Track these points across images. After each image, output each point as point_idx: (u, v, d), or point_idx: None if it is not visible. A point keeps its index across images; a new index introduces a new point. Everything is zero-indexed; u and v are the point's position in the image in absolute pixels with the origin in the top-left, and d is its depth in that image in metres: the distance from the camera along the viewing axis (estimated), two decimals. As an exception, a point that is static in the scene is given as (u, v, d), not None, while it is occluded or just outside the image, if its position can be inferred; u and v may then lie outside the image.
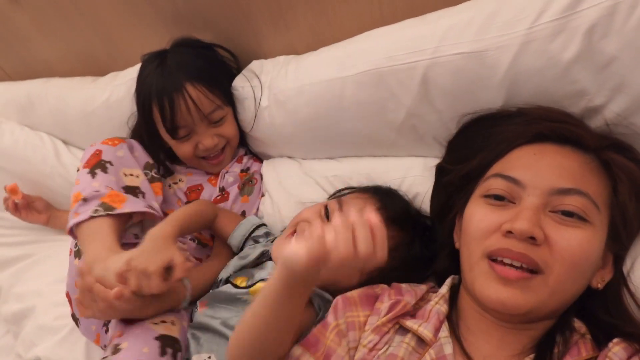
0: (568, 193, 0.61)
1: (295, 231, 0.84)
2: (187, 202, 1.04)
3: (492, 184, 0.66)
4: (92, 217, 0.84)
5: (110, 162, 0.93)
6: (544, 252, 0.59)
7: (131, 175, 0.95)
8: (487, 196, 0.66)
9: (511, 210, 0.62)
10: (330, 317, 0.71)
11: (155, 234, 0.80)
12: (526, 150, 0.68)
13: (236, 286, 0.84)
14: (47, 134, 1.36)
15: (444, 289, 0.72)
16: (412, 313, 0.69)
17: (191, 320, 0.87)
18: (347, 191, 0.93)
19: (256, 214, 1.05)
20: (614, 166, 0.66)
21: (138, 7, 1.15)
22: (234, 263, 0.91)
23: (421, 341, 0.65)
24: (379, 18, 0.93)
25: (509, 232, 0.60)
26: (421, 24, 0.85)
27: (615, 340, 0.59)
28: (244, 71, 1.09)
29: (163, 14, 1.14)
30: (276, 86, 1.00)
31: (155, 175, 1.01)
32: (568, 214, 0.60)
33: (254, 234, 0.97)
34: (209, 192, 1.06)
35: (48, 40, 1.36)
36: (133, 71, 1.17)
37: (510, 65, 0.74)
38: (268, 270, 0.85)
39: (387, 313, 0.68)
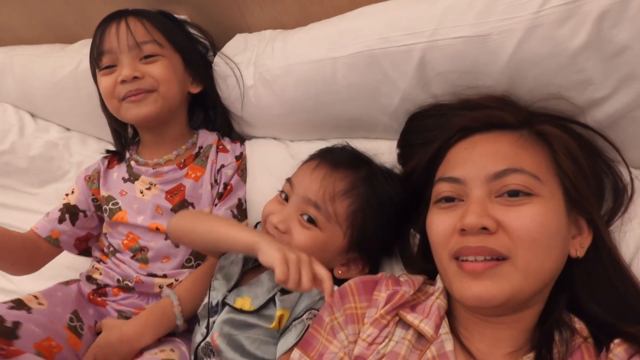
0: (504, 174, 0.61)
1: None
2: (172, 208, 0.93)
3: (438, 189, 0.68)
4: None
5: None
6: (502, 239, 0.59)
7: None
8: (438, 201, 0.67)
9: (462, 208, 0.63)
10: (324, 314, 0.70)
11: None
12: (458, 148, 0.69)
13: (241, 311, 0.77)
14: (13, 106, 1.27)
15: (440, 283, 0.71)
16: (411, 305, 0.68)
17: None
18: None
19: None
20: (547, 136, 0.66)
21: (112, -27, 1.06)
22: (221, 282, 0.83)
23: (421, 337, 0.65)
24: (373, -7, 0.87)
25: (462, 229, 0.61)
26: (418, 3, 0.80)
27: (616, 341, 0.58)
28: (224, 48, 1.02)
29: (139, -20, 1.05)
30: (262, 64, 0.94)
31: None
32: (512, 193, 0.61)
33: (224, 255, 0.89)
34: (193, 188, 0.94)
35: (14, 6, 1.26)
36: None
37: (514, 51, 0.71)
38: (266, 285, 0.79)
39: (385, 304, 0.67)
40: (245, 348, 0.75)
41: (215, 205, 0.94)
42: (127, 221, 0.93)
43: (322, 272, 0.65)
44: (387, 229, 0.81)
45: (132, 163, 0.98)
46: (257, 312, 0.77)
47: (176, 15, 1.04)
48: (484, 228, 0.59)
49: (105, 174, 0.99)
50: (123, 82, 0.89)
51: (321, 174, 0.78)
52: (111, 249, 0.95)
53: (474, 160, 0.65)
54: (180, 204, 0.94)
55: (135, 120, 0.94)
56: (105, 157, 1.03)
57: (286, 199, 0.81)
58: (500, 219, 0.60)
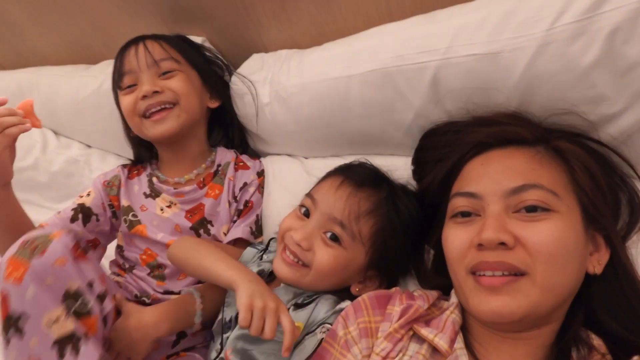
0: (522, 190, 0.61)
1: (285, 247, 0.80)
2: (191, 227, 0.93)
3: (455, 204, 0.67)
4: None
5: (22, 316, 0.64)
6: (520, 254, 0.58)
7: (57, 319, 0.66)
8: (454, 216, 0.67)
9: (479, 223, 0.63)
10: (338, 327, 0.69)
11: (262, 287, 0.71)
12: (474, 163, 0.69)
13: None
14: (38, 124, 1.31)
15: (455, 298, 0.70)
16: (425, 320, 0.68)
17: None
18: (315, 184, 0.88)
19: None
20: (564, 152, 0.66)
21: (135, -3, 1.11)
22: (234, 297, 0.81)
23: (435, 352, 0.64)
24: (385, 13, 0.89)
25: (480, 244, 0.60)
26: (431, 22, 0.81)
27: (635, 358, 0.57)
28: (241, 67, 1.05)
29: (160, 4, 1.09)
30: (278, 82, 0.97)
31: (81, 310, 0.69)
32: (530, 209, 0.60)
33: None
34: (213, 206, 0.94)
35: (41, 30, 1.31)
36: (127, 60, 1.13)
37: (526, 68, 0.72)
38: (281, 298, 0.76)
39: (399, 318, 0.67)
40: None
41: (234, 221, 0.95)
42: (147, 235, 0.93)
43: (286, 324, 0.65)
44: (407, 248, 0.80)
45: (154, 179, 0.99)
46: None
47: (193, 38, 1.07)
48: (502, 243, 0.59)
49: (126, 183, 0.99)
50: (144, 97, 0.91)
51: (346, 192, 0.78)
52: (127, 265, 0.95)
53: (491, 176, 0.65)
54: (200, 222, 0.94)
55: (158, 137, 0.94)
56: (124, 166, 1.03)
57: (306, 215, 0.80)
58: (518, 235, 0.59)
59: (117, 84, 0.96)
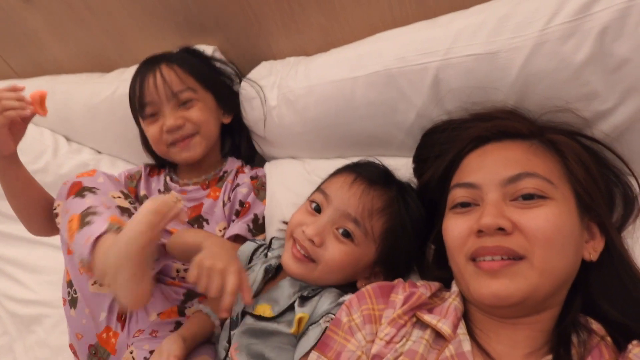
0: (519, 178, 0.64)
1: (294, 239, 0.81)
2: (189, 221, 1.01)
3: (454, 194, 0.70)
4: (107, 231, 0.76)
5: (94, 188, 0.88)
6: (518, 239, 0.60)
7: (119, 197, 0.91)
8: (454, 207, 0.69)
9: (478, 212, 0.65)
10: (342, 315, 0.70)
11: (219, 239, 0.77)
12: (472, 156, 0.72)
13: (261, 317, 0.78)
14: (50, 130, 1.35)
15: (456, 287, 0.71)
16: (428, 307, 0.69)
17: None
18: (325, 180, 0.89)
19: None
20: (557, 144, 0.69)
21: (150, 8, 1.17)
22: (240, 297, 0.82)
23: (439, 337, 0.65)
24: (390, 21, 0.94)
25: (480, 230, 0.62)
26: (433, 26, 0.86)
27: (634, 342, 0.58)
28: (250, 74, 1.10)
29: (175, 15, 1.15)
30: (285, 85, 1.01)
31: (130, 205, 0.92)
32: (527, 197, 0.63)
33: (253, 259, 0.91)
34: (211, 207, 1.01)
35: (58, 40, 1.37)
36: (141, 68, 1.18)
37: (522, 67, 0.75)
38: (287, 291, 0.79)
39: (402, 305, 0.68)
40: (265, 356, 0.75)
41: (233, 221, 0.99)
42: None
43: (227, 285, 0.68)
44: (414, 246, 0.82)
45: (168, 178, 1.08)
46: (276, 318, 0.77)
47: (202, 48, 1.12)
48: (501, 229, 0.61)
49: (146, 178, 1.09)
50: (168, 130, 0.99)
51: (359, 189, 0.79)
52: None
53: (488, 166, 0.67)
54: (196, 218, 1.00)
55: (184, 162, 1.04)
56: (147, 165, 1.12)
57: (317, 210, 0.81)
58: (516, 221, 0.61)
59: (139, 112, 1.03)
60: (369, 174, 0.82)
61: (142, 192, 1.07)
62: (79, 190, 0.86)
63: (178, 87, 0.98)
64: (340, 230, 0.77)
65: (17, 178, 0.94)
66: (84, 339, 0.89)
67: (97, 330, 0.88)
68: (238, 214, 0.99)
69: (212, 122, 1.03)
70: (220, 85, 1.08)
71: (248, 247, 0.92)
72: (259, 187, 1.03)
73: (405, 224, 0.80)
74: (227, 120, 1.08)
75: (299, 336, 0.74)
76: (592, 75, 0.72)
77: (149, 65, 1.02)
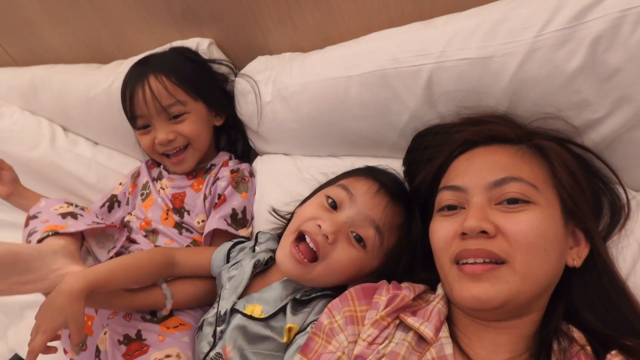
0: (503, 182, 0.64)
1: (298, 234, 0.78)
2: (173, 208, 1.03)
3: (441, 197, 0.70)
4: (39, 241, 0.86)
5: (37, 213, 0.96)
6: (500, 243, 0.61)
7: (61, 207, 0.97)
8: (441, 209, 0.70)
9: (463, 215, 0.65)
10: (323, 317, 0.71)
11: (61, 289, 0.73)
12: (460, 159, 0.73)
13: (252, 317, 0.77)
14: (47, 120, 1.35)
15: (441, 290, 0.72)
16: (412, 310, 0.69)
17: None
18: (339, 178, 0.88)
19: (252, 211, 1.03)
20: (545, 150, 0.69)
21: (147, 0, 1.16)
22: (230, 291, 0.84)
23: (421, 340, 0.66)
24: (386, 20, 0.94)
25: (463, 233, 0.63)
26: (428, 27, 0.85)
27: (613, 352, 0.59)
28: (245, 68, 1.09)
29: (172, 7, 1.14)
30: (280, 81, 1.01)
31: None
32: (511, 201, 0.63)
33: (231, 259, 0.91)
34: (193, 198, 1.03)
35: (56, 29, 1.36)
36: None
37: (515, 73, 0.75)
38: (279, 293, 0.79)
39: (386, 307, 0.68)
40: None
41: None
42: (148, 208, 1.05)
43: (31, 345, 0.71)
44: (413, 261, 0.81)
45: (161, 167, 1.13)
46: (267, 320, 0.76)
47: (198, 41, 1.12)
48: (484, 232, 0.61)
49: (147, 170, 1.13)
50: (162, 144, 1.01)
51: (384, 200, 0.78)
52: (129, 232, 1.06)
53: (475, 170, 0.68)
54: (179, 209, 1.03)
55: (179, 173, 1.08)
56: (148, 160, 1.17)
57: (333, 206, 0.78)
58: (499, 225, 0.62)
59: (132, 123, 1.05)
60: (392, 187, 0.81)
61: (144, 180, 1.12)
62: (26, 221, 0.96)
63: (167, 101, 0.99)
64: (354, 234, 0.76)
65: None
66: (64, 330, 0.90)
67: None
68: (215, 206, 1.01)
69: (204, 131, 1.04)
70: (211, 90, 1.07)
71: (223, 249, 0.93)
72: (239, 180, 1.03)
73: (412, 243, 0.80)
74: (219, 122, 1.09)
75: (287, 345, 0.75)
76: (584, 84, 0.72)
77: (137, 75, 1.02)
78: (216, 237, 0.97)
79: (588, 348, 0.61)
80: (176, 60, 1.05)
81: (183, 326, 0.89)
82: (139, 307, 0.87)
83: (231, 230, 0.97)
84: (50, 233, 0.87)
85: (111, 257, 0.96)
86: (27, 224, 0.94)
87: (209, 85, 1.06)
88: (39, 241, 0.86)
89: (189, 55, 1.09)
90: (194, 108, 1.02)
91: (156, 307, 0.87)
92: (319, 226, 0.75)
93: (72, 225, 0.91)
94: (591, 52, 0.69)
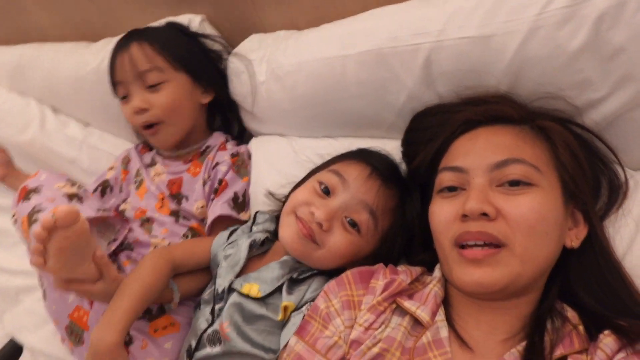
0: (505, 164, 0.64)
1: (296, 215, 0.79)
2: (170, 195, 0.99)
3: (442, 178, 0.69)
4: None
5: (38, 187, 0.89)
6: (501, 226, 0.61)
7: (65, 186, 0.92)
8: (441, 191, 0.69)
9: (463, 196, 0.65)
10: (320, 301, 0.71)
11: (99, 349, 0.72)
12: (461, 140, 0.72)
13: (248, 296, 0.77)
14: (36, 101, 1.32)
15: (438, 272, 0.72)
16: (409, 293, 0.70)
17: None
18: (331, 162, 0.88)
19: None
20: (547, 131, 0.69)
21: (137, -25, 1.12)
22: (227, 269, 0.83)
23: (417, 324, 0.66)
24: (384, -3, 0.91)
25: (464, 215, 0.63)
26: (427, 5, 0.83)
27: (605, 332, 0.60)
28: (239, 47, 1.07)
29: (162, -18, 1.11)
30: (275, 60, 0.98)
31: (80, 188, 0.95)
32: (513, 183, 0.63)
33: (230, 243, 0.90)
34: (191, 183, 1.00)
35: (43, 7, 1.32)
36: (127, 38, 1.15)
37: (516, 52, 0.74)
38: (276, 272, 0.78)
39: (383, 292, 0.69)
40: (253, 340, 0.75)
41: (212, 199, 0.98)
42: (142, 197, 1.02)
43: None
44: (407, 243, 0.82)
45: (154, 152, 1.09)
46: (264, 299, 0.77)
47: (189, 18, 1.09)
48: (484, 214, 0.61)
49: (138, 156, 1.10)
50: (136, 112, 0.97)
51: (376, 183, 0.78)
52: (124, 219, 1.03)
53: (477, 151, 0.67)
54: (176, 195, 1.00)
55: (157, 147, 1.05)
56: (138, 144, 1.13)
57: (326, 192, 0.78)
58: (500, 207, 0.62)
59: (114, 92, 1.02)
60: (384, 170, 0.80)
61: (135, 167, 1.08)
62: (25, 194, 0.88)
63: (144, 66, 0.95)
64: (348, 220, 0.76)
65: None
66: (60, 323, 0.91)
67: (68, 311, 0.89)
68: (216, 191, 0.98)
69: (184, 107, 1.00)
70: (198, 62, 1.03)
71: (221, 239, 0.91)
72: (240, 165, 1.01)
73: (406, 225, 0.80)
74: (206, 99, 1.05)
75: (283, 323, 0.75)
76: (587, 63, 0.70)
77: (122, 43, 0.99)
78: (218, 222, 0.95)
79: (580, 327, 0.62)
80: (166, 32, 1.03)
81: (172, 327, 0.88)
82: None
83: (234, 214, 0.95)
84: None
85: (112, 250, 0.94)
86: (24, 196, 0.88)
87: (197, 58, 1.03)
88: None
89: (183, 29, 1.06)
90: (173, 77, 0.98)
91: (164, 301, 0.86)
92: (313, 213, 0.75)
93: (81, 210, 0.85)
94: (594, 31, 0.68)
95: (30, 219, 0.82)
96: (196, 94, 1.03)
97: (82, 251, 0.73)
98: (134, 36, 0.99)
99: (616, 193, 0.73)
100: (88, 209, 0.88)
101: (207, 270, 0.92)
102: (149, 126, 0.99)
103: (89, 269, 0.74)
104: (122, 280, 0.79)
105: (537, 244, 0.62)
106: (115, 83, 1.00)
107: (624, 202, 0.72)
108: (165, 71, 0.97)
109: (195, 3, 1.10)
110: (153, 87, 0.97)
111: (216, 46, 1.09)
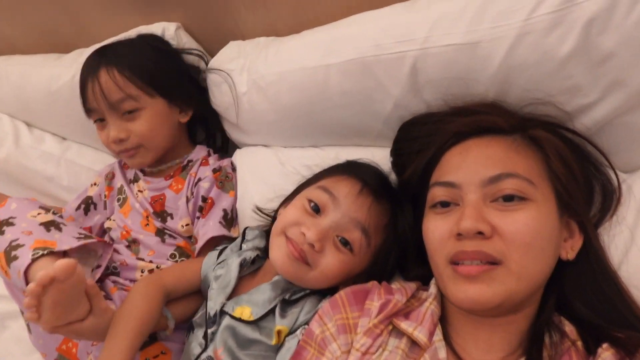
0: (499, 179, 0.62)
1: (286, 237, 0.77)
2: (154, 213, 0.97)
3: (434, 193, 0.68)
4: (33, 260, 0.77)
5: (10, 218, 0.87)
6: (496, 243, 0.60)
7: (39, 214, 0.89)
8: (433, 206, 0.68)
9: (457, 212, 0.63)
10: (314, 326, 0.69)
11: None
12: (452, 152, 0.70)
13: (240, 319, 0.76)
14: (8, 116, 1.27)
15: (434, 288, 0.71)
16: (405, 312, 0.68)
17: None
18: (320, 177, 0.85)
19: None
20: (540, 140, 0.67)
21: (106, -19, 1.07)
22: (218, 291, 0.81)
23: (415, 345, 0.65)
24: (366, 1, 0.88)
25: (459, 234, 0.61)
26: (410, 11, 0.81)
27: (604, 345, 0.59)
28: (217, 55, 1.03)
29: (133, -11, 1.06)
30: (255, 71, 0.95)
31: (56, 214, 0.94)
32: (507, 198, 0.61)
33: (219, 263, 0.87)
34: (174, 200, 0.97)
35: (9, 16, 1.26)
36: (99, 49, 1.10)
37: (504, 59, 0.72)
38: (268, 294, 0.77)
39: (378, 314, 0.67)
40: None
41: (198, 218, 0.95)
42: (127, 215, 1.00)
43: None
44: (401, 256, 0.80)
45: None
46: (257, 322, 0.75)
47: (163, 26, 1.04)
48: (480, 232, 0.60)
49: (121, 171, 1.07)
50: (115, 142, 0.95)
51: (367, 200, 0.76)
52: (111, 242, 1.00)
53: (469, 165, 0.66)
54: (161, 213, 0.98)
55: (134, 167, 1.03)
56: (121, 160, 1.09)
57: (315, 210, 0.76)
58: (495, 224, 0.60)
59: (87, 115, 0.98)
60: (375, 185, 0.78)
61: (118, 184, 1.05)
62: None
63: (116, 96, 0.91)
64: (340, 239, 0.74)
65: None
66: (48, 356, 0.89)
67: (56, 345, 0.87)
68: (201, 209, 0.95)
69: (161, 131, 0.97)
70: (175, 84, 0.99)
71: (210, 260, 0.89)
72: (223, 179, 0.98)
73: (399, 240, 0.78)
74: (185, 119, 1.01)
75: (278, 347, 0.73)
76: (576, 69, 0.69)
77: (89, 67, 0.95)
78: (208, 242, 0.92)
79: (579, 343, 0.61)
80: (136, 51, 0.97)
81: (164, 356, 0.86)
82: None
83: (227, 233, 0.93)
84: (46, 252, 0.78)
85: (98, 279, 0.90)
86: None
87: (171, 78, 0.98)
88: (34, 260, 0.77)
89: (155, 44, 1.01)
90: (149, 103, 0.94)
91: (158, 329, 0.84)
92: (303, 234, 0.73)
93: (62, 241, 0.83)
94: (584, 36, 0.66)
95: (9, 255, 0.79)
96: (174, 115, 1.00)
97: (77, 297, 0.70)
98: (102, 59, 0.94)
99: (610, 199, 0.72)
100: (69, 239, 0.84)
101: (199, 292, 0.89)
102: (122, 151, 0.97)
103: (82, 310, 0.72)
104: (111, 312, 0.76)
105: (533, 260, 0.61)
106: (88, 109, 0.96)
107: (618, 209, 0.71)
108: (139, 99, 0.93)
109: (168, 10, 1.05)
110: (129, 114, 0.93)
111: (193, 58, 1.05)
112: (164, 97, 0.96)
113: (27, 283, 0.78)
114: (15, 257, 0.78)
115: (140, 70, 0.93)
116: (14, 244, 0.80)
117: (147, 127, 0.94)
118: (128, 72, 0.92)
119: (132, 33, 1.06)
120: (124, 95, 0.91)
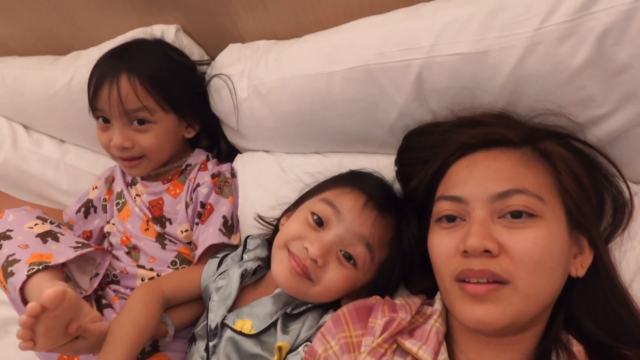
0: (507, 195, 0.60)
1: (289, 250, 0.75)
2: (152, 218, 0.96)
3: (440, 207, 0.66)
4: (29, 277, 0.77)
5: (7, 231, 0.86)
6: (504, 262, 0.58)
7: (36, 224, 0.88)
8: (439, 220, 0.66)
9: (464, 228, 0.62)
10: (317, 344, 0.68)
11: None
12: (459, 165, 0.68)
13: (241, 333, 0.75)
14: (6, 118, 1.25)
15: (439, 304, 0.69)
16: (409, 329, 0.67)
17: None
18: (323, 188, 0.83)
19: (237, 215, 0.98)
20: (549, 155, 0.65)
21: (102, -17, 1.04)
22: (219, 303, 0.80)
23: None
24: (367, 5, 0.85)
25: (465, 251, 0.59)
26: (414, 17, 0.77)
27: None
28: (218, 58, 1.01)
29: (130, -10, 1.03)
30: (256, 77, 0.92)
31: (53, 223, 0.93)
32: (515, 214, 0.60)
33: (220, 273, 0.86)
34: (172, 205, 0.96)
35: (4, 18, 1.22)
36: (96, 51, 1.07)
37: (514, 68, 0.69)
38: (269, 308, 0.76)
39: (382, 333, 0.66)
40: None
41: (197, 224, 0.94)
42: (126, 220, 0.98)
43: None
44: (408, 271, 0.79)
45: None
46: (258, 336, 0.75)
47: (165, 28, 1.02)
48: (487, 251, 0.58)
49: (121, 174, 1.05)
50: (118, 148, 0.92)
51: (372, 215, 0.74)
52: (111, 248, 0.99)
53: (476, 179, 0.64)
54: (159, 218, 0.96)
55: (132, 176, 1.01)
56: None
57: (319, 223, 0.75)
58: (503, 242, 0.59)
59: (91, 111, 0.95)
60: (380, 198, 0.76)
61: (118, 188, 1.03)
62: None
63: (134, 105, 0.89)
64: (343, 253, 0.73)
65: None
66: None
67: (57, 355, 0.86)
68: (200, 215, 0.94)
69: (166, 148, 0.95)
70: (187, 100, 0.96)
71: (210, 268, 0.88)
72: (222, 185, 0.96)
73: (404, 253, 0.77)
74: (190, 134, 0.99)
75: None
76: (589, 80, 0.66)
77: (109, 68, 0.91)
78: (208, 249, 0.91)
79: None
80: (157, 61, 0.94)
81: None
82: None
83: (226, 241, 0.91)
84: (41, 267, 0.77)
85: (95, 288, 0.89)
86: None
87: (186, 95, 0.96)
88: (29, 276, 0.77)
89: (173, 55, 0.97)
90: (161, 119, 0.92)
91: (158, 336, 0.83)
92: (306, 249, 0.72)
93: (59, 253, 0.82)
94: (598, 47, 0.64)
95: (6, 271, 0.79)
96: (181, 130, 0.98)
97: (70, 320, 0.69)
98: (123, 64, 0.91)
99: (621, 212, 0.70)
100: (66, 249, 0.84)
101: (199, 299, 0.88)
102: (122, 158, 0.95)
103: (77, 330, 0.70)
104: (106, 326, 0.75)
105: (542, 280, 0.59)
106: (95, 108, 0.93)
107: (630, 224, 0.69)
108: (154, 113, 0.91)
109: (166, 12, 1.02)
110: (139, 124, 0.91)
111: (203, 69, 1.03)
112: (176, 113, 0.94)
113: (22, 299, 0.78)
114: (12, 273, 0.78)
115: (161, 86, 0.91)
116: (10, 259, 0.79)
117: (154, 142, 0.92)
118: (150, 84, 0.89)
119: (146, 35, 1.02)
120: (141, 106, 0.89)
